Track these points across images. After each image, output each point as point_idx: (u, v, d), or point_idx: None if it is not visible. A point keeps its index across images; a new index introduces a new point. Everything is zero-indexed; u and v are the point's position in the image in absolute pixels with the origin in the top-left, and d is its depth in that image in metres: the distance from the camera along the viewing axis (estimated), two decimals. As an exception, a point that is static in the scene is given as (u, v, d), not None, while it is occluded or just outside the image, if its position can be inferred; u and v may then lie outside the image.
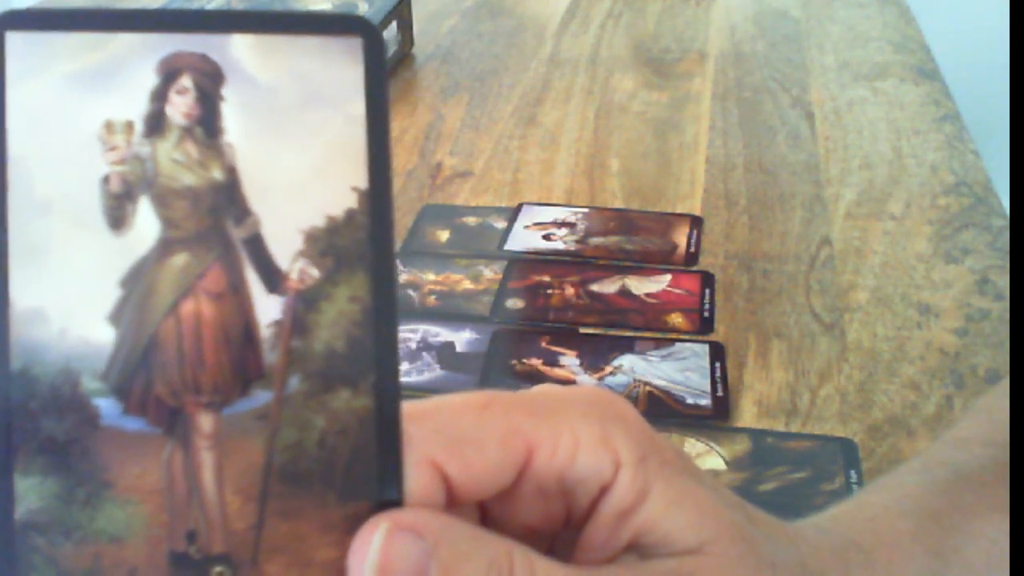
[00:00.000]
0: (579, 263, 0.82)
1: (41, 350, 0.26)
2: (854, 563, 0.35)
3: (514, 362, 0.70)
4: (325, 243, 0.27)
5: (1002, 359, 0.70)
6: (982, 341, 0.72)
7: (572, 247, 0.84)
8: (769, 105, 1.11)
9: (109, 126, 0.27)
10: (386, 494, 0.27)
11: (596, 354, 0.71)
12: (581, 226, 0.87)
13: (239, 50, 0.27)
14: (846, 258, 0.83)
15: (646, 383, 0.68)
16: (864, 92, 1.14)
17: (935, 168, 0.97)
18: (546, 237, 0.85)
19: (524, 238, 0.85)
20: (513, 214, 0.89)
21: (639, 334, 0.73)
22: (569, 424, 0.30)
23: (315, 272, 0.27)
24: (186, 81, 0.27)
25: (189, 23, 0.27)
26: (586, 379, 0.68)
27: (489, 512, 0.31)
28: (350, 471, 0.27)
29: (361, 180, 0.27)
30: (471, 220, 0.89)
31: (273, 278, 0.27)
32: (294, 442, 0.27)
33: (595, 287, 0.78)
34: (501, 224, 0.87)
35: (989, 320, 0.74)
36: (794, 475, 0.60)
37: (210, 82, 0.27)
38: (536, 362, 0.70)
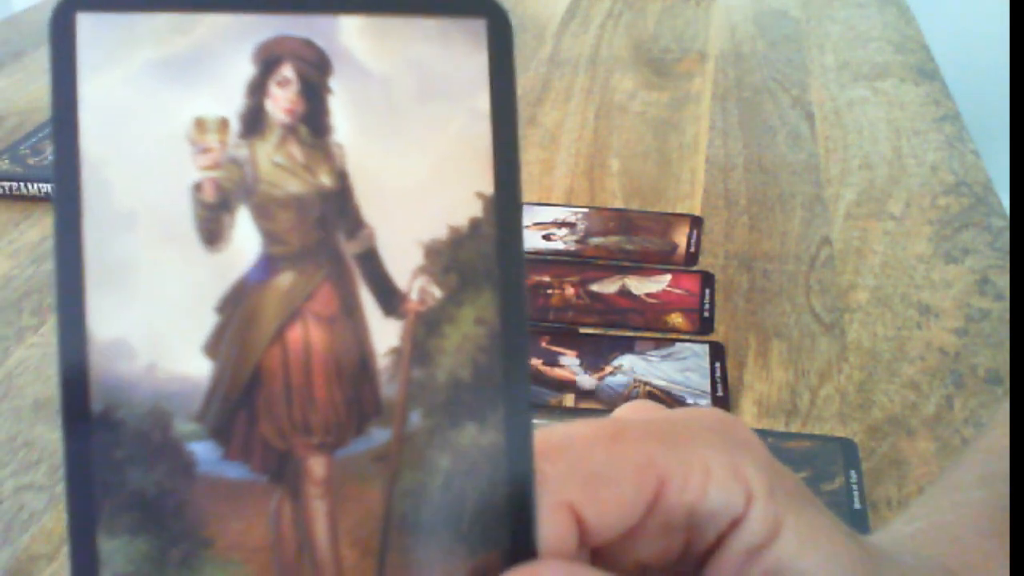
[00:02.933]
0: (579, 263, 0.82)
1: (126, 389, 0.23)
2: None
3: (514, 362, 0.70)
4: (448, 257, 0.24)
5: (1002, 359, 0.70)
6: (982, 341, 0.72)
7: (572, 247, 0.84)
8: (769, 105, 1.11)
9: (200, 124, 0.23)
10: (519, 543, 0.24)
11: (596, 354, 0.71)
12: (581, 226, 0.87)
13: (348, 34, 0.23)
14: (846, 258, 0.83)
15: (646, 383, 0.68)
16: (864, 92, 1.14)
17: (935, 168, 0.97)
18: (546, 237, 0.85)
19: (524, 238, 0.85)
20: (513, 214, 0.89)
21: (639, 334, 0.73)
22: (698, 454, 0.27)
23: (437, 291, 0.24)
24: (288, 71, 0.23)
25: (290, 2, 0.23)
26: (586, 379, 0.68)
27: (601, 548, 0.28)
28: (479, 518, 0.24)
29: (487, 185, 0.24)
30: (471, 220, 0.89)
31: (390, 299, 0.24)
32: (416, 486, 0.24)
33: (595, 287, 0.78)
34: (501, 224, 0.87)
35: (989, 320, 0.74)
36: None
37: (316, 72, 0.23)
38: (536, 362, 0.70)
